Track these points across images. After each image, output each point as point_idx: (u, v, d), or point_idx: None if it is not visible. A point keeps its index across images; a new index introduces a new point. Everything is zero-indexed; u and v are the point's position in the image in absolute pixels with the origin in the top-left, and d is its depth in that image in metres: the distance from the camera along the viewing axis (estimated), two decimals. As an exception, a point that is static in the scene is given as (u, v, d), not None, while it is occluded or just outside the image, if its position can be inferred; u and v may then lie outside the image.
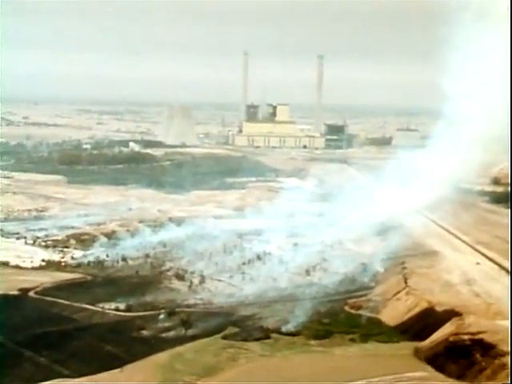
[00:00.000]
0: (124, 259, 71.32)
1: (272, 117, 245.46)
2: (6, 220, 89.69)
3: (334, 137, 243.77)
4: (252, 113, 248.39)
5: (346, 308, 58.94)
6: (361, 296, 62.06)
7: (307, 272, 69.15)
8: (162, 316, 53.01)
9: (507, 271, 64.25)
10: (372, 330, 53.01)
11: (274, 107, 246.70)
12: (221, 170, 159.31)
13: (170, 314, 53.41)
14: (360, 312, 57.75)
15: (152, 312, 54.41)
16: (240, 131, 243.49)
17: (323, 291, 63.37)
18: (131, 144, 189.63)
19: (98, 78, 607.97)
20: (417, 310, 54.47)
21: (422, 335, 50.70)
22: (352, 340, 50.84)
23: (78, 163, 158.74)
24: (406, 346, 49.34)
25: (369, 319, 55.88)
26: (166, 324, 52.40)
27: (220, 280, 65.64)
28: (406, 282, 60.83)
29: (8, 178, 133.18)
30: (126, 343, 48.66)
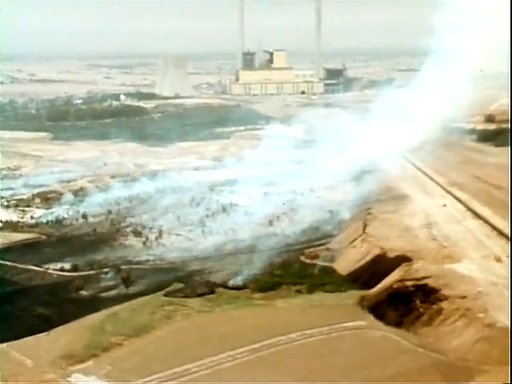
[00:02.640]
0: (84, 217, 69.79)
1: (269, 64, 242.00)
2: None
3: (333, 81, 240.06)
4: (248, 60, 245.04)
5: (302, 258, 57.28)
6: (320, 245, 60.35)
7: (270, 222, 67.35)
8: (103, 275, 51.39)
9: (473, 212, 62.38)
10: (322, 280, 51.36)
11: (271, 54, 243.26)
12: (212, 120, 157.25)
13: (114, 272, 51.75)
14: (315, 261, 56.09)
15: (96, 271, 52.81)
16: (237, 79, 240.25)
17: (283, 241, 61.77)
18: (122, 97, 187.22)
19: (110, 32, 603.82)
20: (368, 257, 52.82)
21: (371, 283, 49.17)
22: (298, 291, 49.26)
23: (66, 119, 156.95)
24: (353, 295, 47.75)
25: (322, 269, 54.25)
26: (109, 283, 50.83)
27: (178, 234, 64.06)
28: (364, 229, 58.96)
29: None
30: (61, 305, 47.33)
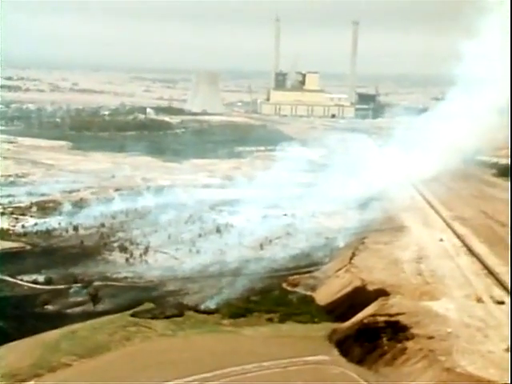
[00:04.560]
0: (75, 229, 68.88)
1: (301, 85, 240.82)
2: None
3: (365, 106, 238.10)
4: (280, 81, 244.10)
5: (284, 285, 55.67)
6: (307, 272, 58.69)
7: (261, 246, 65.82)
8: (73, 290, 50.22)
9: (469, 248, 60.39)
10: (297, 310, 49.74)
11: (304, 75, 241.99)
12: (234, 139, 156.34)
13: (85, 287, 50.56)
14: (296, 289, 54.46)
15: (66, 286, 51.61)
16: (268, 99, 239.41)
17: (270, 267, 60.34)
18: (148, 110, 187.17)
19: (158, 45, 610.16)
20: (348, 288, 51.02)
21: (346, 316, 47.39)
22: (270, 320, 47.67)
23: (89, 129, 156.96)
24: (325, 328, 45.96)
25: (301, 297, 52.74)
26: (78, 299, 49.65)
27: (164, 252, 62.83)
28: (350, 259, 57.16)
29: (11, 142, 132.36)
30: (23, 319, 46.21)
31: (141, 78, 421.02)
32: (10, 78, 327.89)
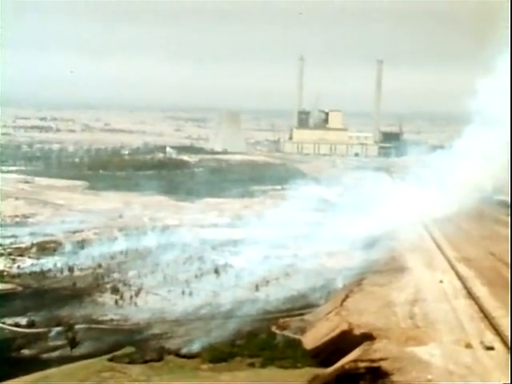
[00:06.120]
0: (71, 270, 68.10)
1: (323, 123, 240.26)
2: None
3: (389, 144, 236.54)
4: (303, 119, 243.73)
5: (273, 328, 54.12)
6: (299, 315, 57.17)
7: (257, 287, 64.41)
8: (52, 333, 49.16)
9: (469, 291, 58.47)
10: (282, 354, 48.10)
11: (326, 113, 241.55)
12: (251, 178, 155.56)
13: (67, 331, 49.46)
14: (284, 332, 52.92)
15: (47, 329, 50.58)
16: (290, 138, 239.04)
17: (263, 309, 59.01)
18: (168, 149, 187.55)
19: (193, 86, 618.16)
20: (334, 332, 49.30)
21: (331, 361, 45.70)
22: (251, 364, 46.06)
23: (107, 169, 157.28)
24: (307, 373, 44.32)
25: (288, 341, 51.09)
26: (57, 342, 48.55)
27: (156, 294, 61.67)
28: (342, 301, 55.49)
29: (27, 182, 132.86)
30: (-3, 363, 45.10)
31: (174, 118, 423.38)
32: (43, 119, 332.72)
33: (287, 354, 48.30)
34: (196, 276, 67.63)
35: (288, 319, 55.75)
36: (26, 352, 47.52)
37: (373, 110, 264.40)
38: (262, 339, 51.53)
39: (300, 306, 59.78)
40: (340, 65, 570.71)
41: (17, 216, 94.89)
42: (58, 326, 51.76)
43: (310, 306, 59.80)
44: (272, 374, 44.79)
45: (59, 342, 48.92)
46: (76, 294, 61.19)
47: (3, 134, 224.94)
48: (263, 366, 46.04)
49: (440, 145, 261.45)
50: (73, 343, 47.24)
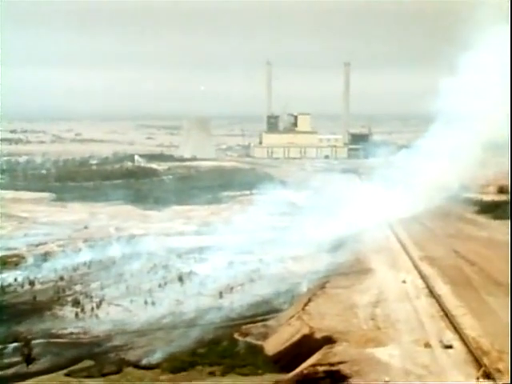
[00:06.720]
0: (31, 283, 67.09)
1: (293, 127, 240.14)
2: None
3: (358, 146, 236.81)
4: (273, 123, 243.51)
5: (236, 335, 53.71)
6: (262, 321, 56.77)
7: (221, 294, 63.92)
8: (8, 350, 48.32)
9: (431, 290, 58.59)
10: (243, 361, 47.84)
11: (295, 117, 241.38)
12: (221, 184, 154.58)
13: (24, 346, 48.61)
14: (246, 339, 52.54)
15: (2, 346, 49.68)
16: (260, 143, 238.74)
17: (227, 316, 58.47)
18: (136, 158, 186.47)
19: (162, 92, 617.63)
20: (296, 337, 49.03)
21: (292, 366, 45.46)
22: (212, 373, 45.71)
23: (75, 180, 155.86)
24: (268, 379, 44.17)
25: (250, 348, 50.75)
26: (13, 359, 47.68)
27: (118, 305, 60.92)
28: (304, 305, 55.23)
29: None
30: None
31: (146, 126, 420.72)
32: (14, 131, 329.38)
33: (248, 360, 48.00)
34: (160, 285, 66.93)
35: (251, 325, 55.32)
36: (-20, 371, 46.52)
37: (342, 112, 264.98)
38: (224, 347, 51.12)
39: (264, 312, 59.31)
40: (309, 68, 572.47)
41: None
42: (14, 341, 50.76)
43: (274, 311, 59.39)
44: (232, 382, 44.43)
45: (15, 359, 47.96)
46: (36, 308, 60.15)
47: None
48: (224, 374, 45.73)
49: (408, 145, 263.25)
50: (28, 359, 46.38)
